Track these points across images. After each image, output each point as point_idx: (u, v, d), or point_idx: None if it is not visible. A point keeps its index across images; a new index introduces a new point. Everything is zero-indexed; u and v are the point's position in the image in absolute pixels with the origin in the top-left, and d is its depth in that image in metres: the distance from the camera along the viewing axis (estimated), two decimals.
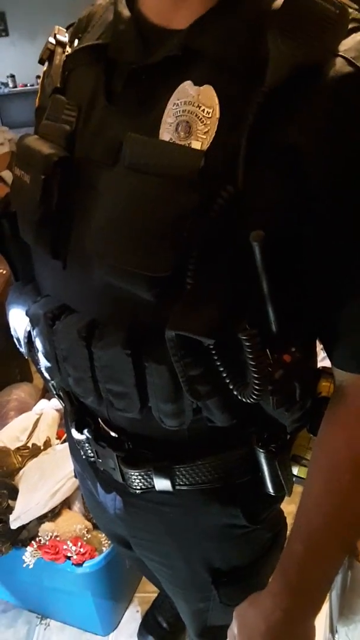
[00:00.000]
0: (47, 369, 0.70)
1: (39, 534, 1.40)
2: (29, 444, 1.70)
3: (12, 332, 0.75)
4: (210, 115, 0.49)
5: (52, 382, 0.80)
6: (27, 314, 0.69)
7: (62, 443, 1.71)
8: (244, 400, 0.54)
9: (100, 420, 0.72)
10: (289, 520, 0.68)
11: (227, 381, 0.54)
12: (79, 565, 1.35)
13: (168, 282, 0.50)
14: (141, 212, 0.50)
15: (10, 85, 5.31)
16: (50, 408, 1.84)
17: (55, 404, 1.87)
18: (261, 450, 0.65)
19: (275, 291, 0.50)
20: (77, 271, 0.61)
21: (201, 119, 0.49)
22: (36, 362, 0.75)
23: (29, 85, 5.31)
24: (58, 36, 0.65)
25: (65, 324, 0.62)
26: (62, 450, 1.61)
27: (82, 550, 1.35)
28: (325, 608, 1.01)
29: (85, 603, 1.47)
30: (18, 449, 1.66)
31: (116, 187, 0.53)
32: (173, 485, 0.68)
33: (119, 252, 0.52)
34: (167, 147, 0.50)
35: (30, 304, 0.68)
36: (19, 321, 0.72)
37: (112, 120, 0.56)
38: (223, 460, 0.67)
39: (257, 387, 0.51)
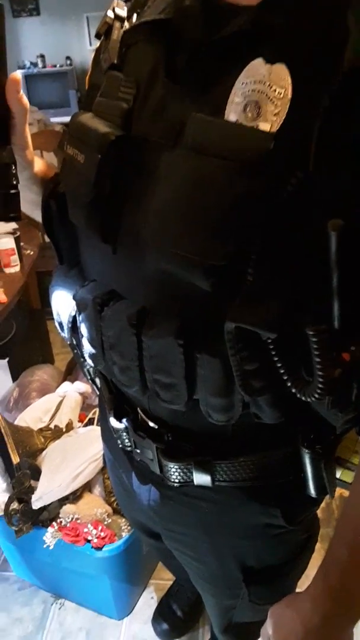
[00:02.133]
0: (91, 355, 0.68)
1: (60, 516, 1.40)
2: (52, 426, 1.70)
3: (55, 316, 0.73)
4: (282, 95, 0.46)
5: (88, 367, 0.79)
6: (74, 298, 0.67)
7: (84, 426, 1.71)
8: (303, 398, 0.51)
9: (139, 410, 0.71)
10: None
11: (285, 378, 0.51)
12: (99, 549, 1.35)
13: (227, 271, 0.48)
14: (202, 196, 0.48)
15: (40, 65, 5.27)
16: (73, 391, 1.84)
17: (78, 387, 1.87)
18: (307, 451, 0.63)
19: (344, 284, 0.47)
20: (128, 256, 0.59)
21: (272, 99, 0.46)
22: (75, 347, 0.74)
23: (58, 66, 5.27)
24: (117, 10, 0.61)
25: (114, 310, 0.60)
26: (85, 433, 1.61)
27: (102, 534, 1.34)
28: None
29: (101, 586, 1.47)
30: (41, 430, 1.67)
31: (177, 169, 0.50)
32: (213, 480, 0.66)
33: (176, 238, 0.50)
34: (233, 128, 0.47)
35: (77, 289, 0.66)
36: (63, 305, 0.70)
37: (174, 98, 0.53)
38: (266, 459, 0.65)
39: (321, 386, 0.49)
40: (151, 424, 0.69)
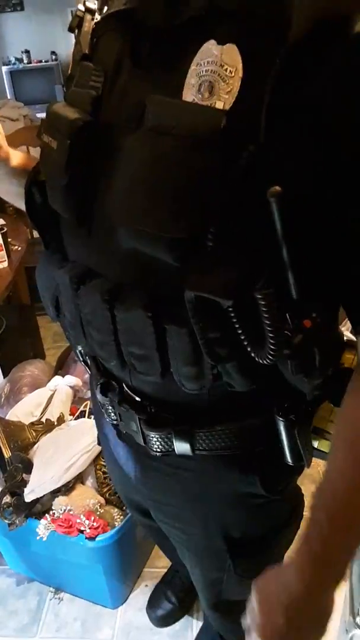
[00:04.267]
0: (72, 334, 0.72)
1: (53, 508, 1.41)
2: (43, 419, 1.71)
3: (42, 299, 0.76)
4: (232, 74, 0.48)
5: (80, 349, 0.81)
6: (55, 278, 0.69)
7: (75, 419, 1.72)
8: (260, 361, 0.54)
9: (124, 385, 0.74)
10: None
11: (245, 343, 0.54)
12: (92, 539, 1.37)
13: (189, 244, 0.51)
14: (162, 174, 0.51)
15: (25, 60, 5.22)
16: (64, 385, 1.85)
17: (69, 380, 1.88)
18: (281, 419, 0.66)
19: (295, 254, 0.50)
20: (101, 237, 0.62)
21: (224, 78, 0.49)
22: (65, 329, 0.77)
23: (44, 61, 5.23)
24: (87, 3, 0.64)
25: (89, 288, 0.63)
26: (76, 426, 1.62)
27: (95, 524, 1.36)
28: (344, 590, 1.01)
29: (96, 576, 1.49)
30: (32, 424, 1.68)
31: (138, 149, 0.53)
32: (193, 449, 0.69)
33: (139, 215, 0.52)
34: (188, 107, 0.50)
35: (57, 270, 0.69)
36: (47, 287, 0.73)
37: (137, 83, 0.57)
38: (243, 427, 0.68)
39: (272, 348, 0.52)
40: (136, 398, 0.72)
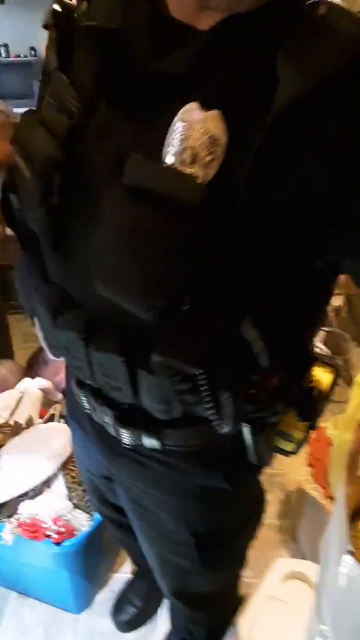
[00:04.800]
0: (52, 350, 0.72)
1: (19, 512, 1.40)
2: (11, 422, 1.69)
3: (20, 299, 0.75)
4: (216, 143, 0.47)
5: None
6: (35, 292, 0.69)
7: (45, 422, 1.71)
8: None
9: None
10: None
11: (209, 411, 0.59)
12: (58, 544, 1.36)
13: (164, 309, 0.51)
14: (141, 241, 0.50)
15: (3, 55, 5.16)
16: (33, 387, 1.83)
17: (39, 382, 1.86)
18: (246, 425, 0.68)
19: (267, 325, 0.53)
20: (77, 268, 0.61)
21: (207, 147, 0.47)
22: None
23: (22, 56, 5.18)
24: (66, 1, 0.59)
25: (66, 320, 0.63)
26: (45, 429, 1.61)
27: (62, 529, 1.35)
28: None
29: (61, 581, 1.48)
30: (0, 426, 1.66)
31: (115, 209, 0.52)
32: (161, 445, 0.71)
33: (117, 277, 0.52)
34: (169, 175, 0.48)
35: (36, 286, 0.68)
36: (25, 293, 0.72)
37: (116, 125, 0.55)
38: (210, 429, 0.69)
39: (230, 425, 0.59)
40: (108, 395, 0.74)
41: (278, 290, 0.54)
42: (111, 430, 0.75)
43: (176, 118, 0.48)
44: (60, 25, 0.58)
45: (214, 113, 0.47)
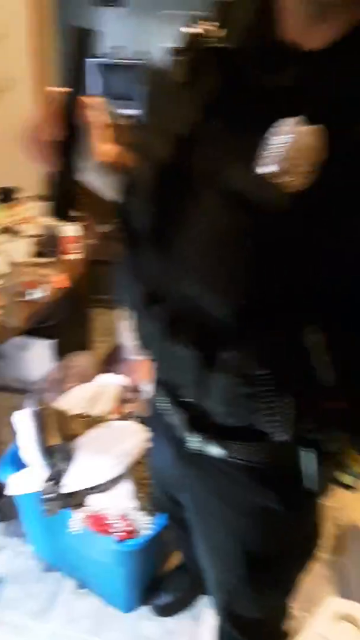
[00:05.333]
0: (134, 336, 0.78)
1: (88, 504, 1.43)
2: (88, 414, 1.74)
3: (116, 294, 0.82)
4: (315, 156, 0.49)
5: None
6: (131, 289, 0.75)
7: (119, 419, 1.74)
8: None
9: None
10: None
11: (268, 417, 0.62)
12: (121, 541, 1.38)
13: (243, 306, 0.56)
14: (229, 241, 0.54)
15: (118, 56, 5.35)
16: (113, 383, 1.87)
17: (118, 379, 1.90)
18: (305, 449, 0.70)
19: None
20: (171, 266, 0.65)
21: (305, 159, 0.50)
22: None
23: (135, 59, 5.33)
24: (198, 29, 0.65)
25: (152, 312, 0.69)
26: (121, 427, 1.64)
27: (128, 528, 1.37)
28: None
29: (117, 578, 1.51)
30: (78, 416, 1.71)
31: (211, 209, 0.57)
32: (226, 455, 0.74)
33: (205, 273, 0.57)
34: (263, 183, 0.51)
35: (132, 281, 0.74)
36: (122, 287, 0.79)
37: (223, 134, 0.59)
38: (273, 447, 0.71)
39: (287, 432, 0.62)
40: (180, 398, 0.77)
41: (350, 308, 0.55)
42: (180, 433, 0.79)
43: (279, 130, 0.51)
44: (192, 47, 0.65)
45: (316, 128, 0.50)
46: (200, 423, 0.76)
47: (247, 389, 0.60)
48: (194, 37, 0.64)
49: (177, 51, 0.67)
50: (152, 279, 0.70)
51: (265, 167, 0.51)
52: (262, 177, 0.51)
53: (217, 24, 0.64)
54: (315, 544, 0.92)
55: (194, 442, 0.77)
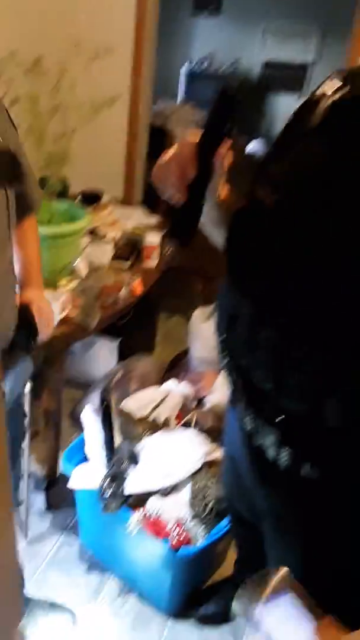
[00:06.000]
0: (238, 350, 0.82)
1: (146, 506, 1.48)
2: (150, 418, 1.79)
3: (218, 315, 0.88)
4: None
5: (226, 362, 0.91)
6: (235, 303, 0.81)
7: (181, 427, 1.78)
8: None
9: (267, 402, 0.81)
10: None
11: None
12: (174, 547, 1.42)
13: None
14: (340, 262, 0.64)
15: (207, 65, 5.42)
16: (177, 390, 1.92)
17: (182, 388, 1.94)
18: None
19: None
20: (286, 284, 0.71)
21: None
22: (223, 343, 0.88)
23: (222, 68, 5.39)
24: (332, 83, 0.71)
25: (266, 320, 0.74)
26: (183, 435, 1.68)
27: (182, 535, 1.41)
28: None
29: (163, 582, 1.54)
30: (141, 418, 1.76)
31: (333, 231, 0.64)
32: (320, 476, 0.75)
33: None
34: None
35: (237, 297, 0.80)
36: (225, 306, 0.85)
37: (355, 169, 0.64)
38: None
39: None
40: (277, 415, 0.79)
41: None
42: (271, 452, 0.80)
43: None
44: (321, 102, 0.72)
45: None
46: (296, 440, 0.77)
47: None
48: (331, 91, 0.70)
49: (314, 101, 0.73)
50: (261, 295, 0.76)
51: None
52: None
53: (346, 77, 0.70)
54: None
55: (286, 460, 0.78)
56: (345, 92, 0.69)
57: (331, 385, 0.68)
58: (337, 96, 0.69)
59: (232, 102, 0.67)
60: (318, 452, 0.75)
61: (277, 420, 0.79)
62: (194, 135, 0.69)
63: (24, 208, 1.20)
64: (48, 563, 1.76)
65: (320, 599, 0.91)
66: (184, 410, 1.92)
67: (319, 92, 0.73)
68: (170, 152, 0.69)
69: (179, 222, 0.73)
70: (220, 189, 0.75)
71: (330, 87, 0.70)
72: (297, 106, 0.78)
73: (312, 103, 0.73)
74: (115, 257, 2.06)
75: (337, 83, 0.70)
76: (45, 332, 1.25)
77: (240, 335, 0.79)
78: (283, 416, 0.78)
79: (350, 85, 0.69)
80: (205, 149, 0.67)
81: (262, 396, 0.81)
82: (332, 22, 4.73)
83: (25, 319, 1.19)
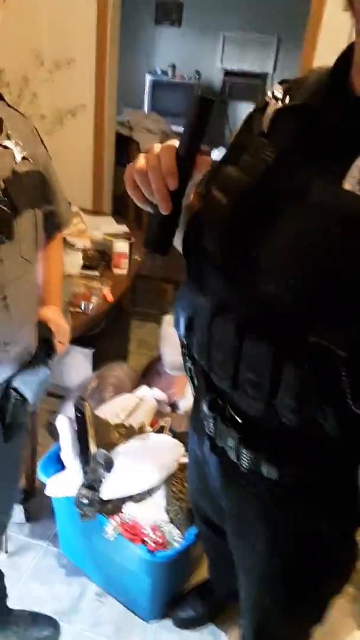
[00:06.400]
0: (197, 350, 0.83)
1: (123, 511, 1.49)
2: (126, 424, 1.80)
3: (176, 318, 0.89)
4: None
5: (190, 365, 0.93)
6: (194, 304, 0.82)
7: (155, 432, 1.80)
8: (356, 411, 0.64)
9: (229, 405, 0.82)
10: None
11: (347, 391, 0.63)
12: (151, 552, 1.43)
13: (324, 300, 0.63)
14: (320, 243, 0.62)
15: (170, 74, 5.48)
16: (151, 396, 1.93)
17: (156, 393, 1.96)
18: None
19: None
20: (241, 279, 0.73)
21: None
22: (184, 345, 0.90)
23: (186, 77, 5.46)
24: (275, 92, 0.76)
25: (225, 318, 0.75)
26: (156, 440, 1.70)
27: (159, 540, 1.42)
28: None
29: (142, 587, 1.55)
30: (117, 425, 1.77)
31: (301, 219, 0.65)
32: (279, 476, 0.77)
33: (291, 269, 0.65)
34: (349, 195, 0.61)
35: (197, 297, 0.81)
36: (185, 308, 0.85)
37: (305, 166, 0.67)
38: (329, 469, 0.75)
39: None
40: (236, 417, 0.81)
41: None
42: (232, 454, 0.81)
43: (359, 159, 0.61)
44: (264, 109, 0.76)
45: None
46: (255, 441, 0.78)
47: (324, 376, 0.64)
48: (276, 98, 0.75)
49: (259, 108, 0.78)
50: (216, 293, 0.78)
51: (351, 185, 0.61)
52: (348, 191, 0.61)
53: (287, 87, 0.76)
54: (352, 567, 0.93)
55: (247, 461, 0.80)
56: (287, 102, 0.73)
57: (283, 383, 0.70)
58: (280, 104, 0.74)
59: (210, 107, 0.66)
60: (277, 452, 0.77)
61: (236, 421, 0.81)
62: (171, 144, 0.68)
63: (53, 226, 1.22)
64: (29, 575, 1.76)
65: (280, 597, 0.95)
66: (158, 416, 1.93)
67: (266, 98, 0.77)
68: (148, 160, 0.68)
69: (160, 232, 0.70)
70: (189, 194, 0.76)
71: (276, 95, 0.75)
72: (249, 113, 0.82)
73: (259, 109, 0.77)
74: (85, 266, 2.07)
75: (279, 92, 0.75)
76: (62, 348, 1.29)
77: (199, 336, 0.81)
78: (239, 419, 0.80)
79: (290, 95, 0.74)
80: (187, 157, 0.67)
81: (222, 397, 0.83)
82: (289, 32, 4.86)
83: (44, 335, 1.21)
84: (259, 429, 0.78)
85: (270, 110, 0.75)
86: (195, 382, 0.92)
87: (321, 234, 0.62)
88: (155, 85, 5.34)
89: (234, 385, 0.75)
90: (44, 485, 1.60)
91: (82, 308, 1.80)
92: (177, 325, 0.89)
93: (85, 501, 1.47)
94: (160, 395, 1.98)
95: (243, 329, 0.71)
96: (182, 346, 0.91)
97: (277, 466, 0.77)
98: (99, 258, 2.12)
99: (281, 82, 0.79)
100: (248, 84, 5.35)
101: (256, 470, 0.80)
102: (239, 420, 0.80)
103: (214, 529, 1.13)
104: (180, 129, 0.70)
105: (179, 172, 0.66)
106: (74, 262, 2.04)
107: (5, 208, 0.97)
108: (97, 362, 2.44)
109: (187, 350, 0.89)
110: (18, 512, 1.91)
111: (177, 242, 0.86)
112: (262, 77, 5.33)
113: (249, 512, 0.89)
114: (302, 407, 0.68)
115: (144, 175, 0.68)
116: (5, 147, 1.00)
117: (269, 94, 0.77)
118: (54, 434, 1.85)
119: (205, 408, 0.87)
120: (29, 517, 1.93)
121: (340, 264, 0.61)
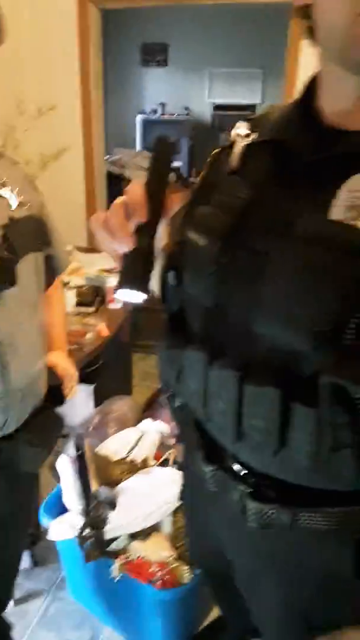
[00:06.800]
0: (191, 400, 0.78)
1: (128, 550, 1.45)
2: (128, 459, 1.78)
3: (162, 367, 0.84)
4: None
5: (177, 404, 0.88)
6: (181, 356, 0.76)
7: (159, 465, 1.77)
8: None
9: (228, 457, 0.77)
10: None
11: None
12: (160, 590, 1.39)
13: (327, 335, 0.59)
14: (314, 277, 0.60)
15: (159, 112, 5.61)
16: (153, 429, 1.91)
17: (158, 426, 1.94)
18: None
19: None
20: (233, 320, 0.69)
21: None
22: (173, 396, 0.86)
23: (175, 115, 5.59)
24: (240, 129, 0.77)
25: (220, 365, 0.70)
26: (161, 475, 1.67)
27: (167, 577, 1.38)
28: None
29: (152, 626, 1.50)
30: (118, 461, 1.74)
31: (289, 254, 0.62)
32: (292, 524, 0.71)
33: (289, 308, 0.61)
34: (338, 226, 0.59)
35: (183, 348, 0.76)
36: (171, 361, 0.80)
37: (286, 199, 0.66)
38: (347, 513, 0.70)
39: None
40: (238, 469, 0.76)
41: None
42: (237, 510, 0.75)
43: (346, 185, 0.60)
44: (230, 148, 0.76)
45: None
46: (263, 495, 0.72)
47: (340, 418, 0.60)
48: (241, 135, 0.75)
49: (228, 146, 0.78)
50: (207, 338, 0.74)
51: (338, 215, 0.60)
52: (337, 222, 0.59)
53: (252, 124, 0.76)
54: None
55: (254, 515, 0.73)
56: (255, 137, 0.74)
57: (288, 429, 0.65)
58: (248, 140, 0.74)
59: (170, 149, 0.69)
60: (285, 500, 0.72)
61: (239, 474, 0.76)
62: (139, 181, 0.68)
63: (51, 271, 1.23)
64: (38, 622, 1.71)
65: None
66: (162, 448, 1.91)
67: (232, 136, 0.77)
68: (118, 201, 0.67)
69: (131, 268, 0.67)
70: (164, 234, 0.74)
71: (240, 133, 0.75)
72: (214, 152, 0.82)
73: (227, 147, 0.77)
74: (80, 303, 2.08)
75: (245, 129, 0.75)
76: (70, 393, 1.30)
77: (192, 386, 0.76)
78: (245, 470, 0.75)
79: (258, 131, 0.74)
80: (152, 194, 0.67)
81: (221, 449, 0.78)
82: (274, 62, 4.98)
83: (52, 383, 1.21)
84: (266, 481, 0.73)
85: (237, 148, 0.75)
86: (188, 433, 0.86)
87: (316, 268, 0.60)
88: (145, 123, 5.45)
89: (237, 435, 0.70)
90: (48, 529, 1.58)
91: (76, 345, 1.80)
92: (163, 378, 0.85)
93: (89, 542, 1.44)
94: (164, 427, 1.95)
95: (243, 374, 0.67)
96: (169, 397, 0.87)
97: (289, 517, 0.71)
98: (93, 294, 2.13)
99: (244, 120, 0.79)
100: (238, 116, 5.44)
101: (266, 524, 0.73)
102: (244, 472, 0.76)
103: (220, 578, 1.03)
104: (175, 164, 0.73)
105: (148, 206, 0.66)
106: (67, 300, 2.05)
107: (6, 253, 0.98)
108: (100, 398, 2.42)
109: (175, 401, 0.85)
110: (25, 558, 1.87)
111: (155, 285, 0.82)
112: (251, 108, 5.44)
113: (259, 561, 0.83)
114: (317, 451, 0.63)
115: (109, 214, 0.67)
116: (1, 196, 1.02)
117: (233, 132, 0.77)
118: (57, 475, 1.83)
119: (203, 464, 0.80)
120: (36, 563, 1.89)
121: (340, 295, 0.58)
